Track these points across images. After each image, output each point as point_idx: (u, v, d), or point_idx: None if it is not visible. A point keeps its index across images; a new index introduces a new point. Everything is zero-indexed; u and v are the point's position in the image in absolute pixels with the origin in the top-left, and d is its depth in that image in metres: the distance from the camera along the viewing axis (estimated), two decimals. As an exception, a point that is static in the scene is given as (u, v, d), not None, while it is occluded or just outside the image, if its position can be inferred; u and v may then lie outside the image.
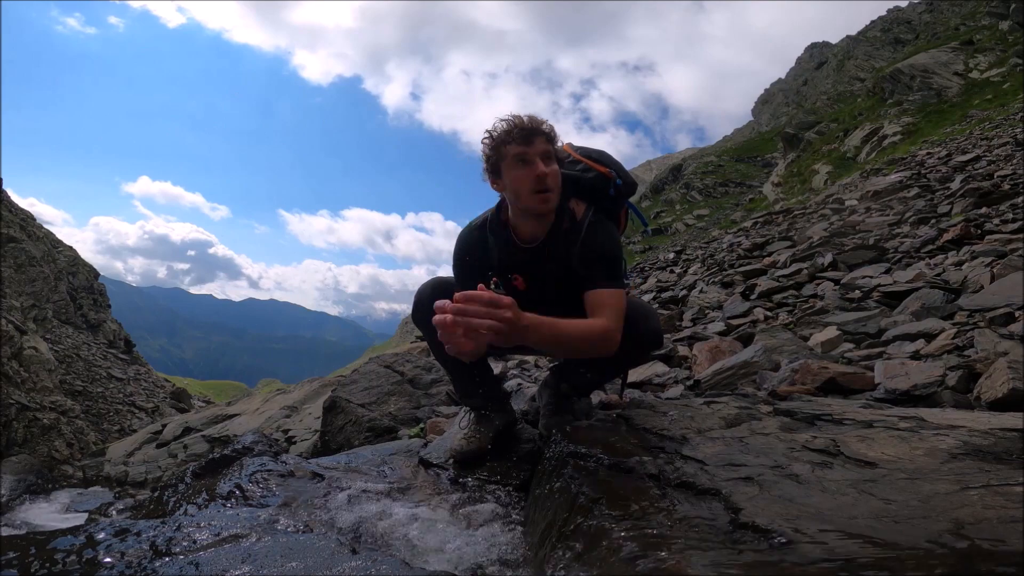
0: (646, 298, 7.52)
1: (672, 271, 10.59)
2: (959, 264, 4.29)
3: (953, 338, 2.70)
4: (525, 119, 1.73)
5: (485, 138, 1.78)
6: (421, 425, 3.53)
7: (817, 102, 48.28)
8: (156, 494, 1.91)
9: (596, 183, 1.92)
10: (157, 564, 1.09)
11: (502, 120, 1.75)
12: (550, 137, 1.75)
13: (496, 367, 4.72)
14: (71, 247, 26.36)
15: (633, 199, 2.12)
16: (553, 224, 1.82)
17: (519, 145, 1.70)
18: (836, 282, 4.82)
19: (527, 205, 1.76)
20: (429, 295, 1.99)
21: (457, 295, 1.31)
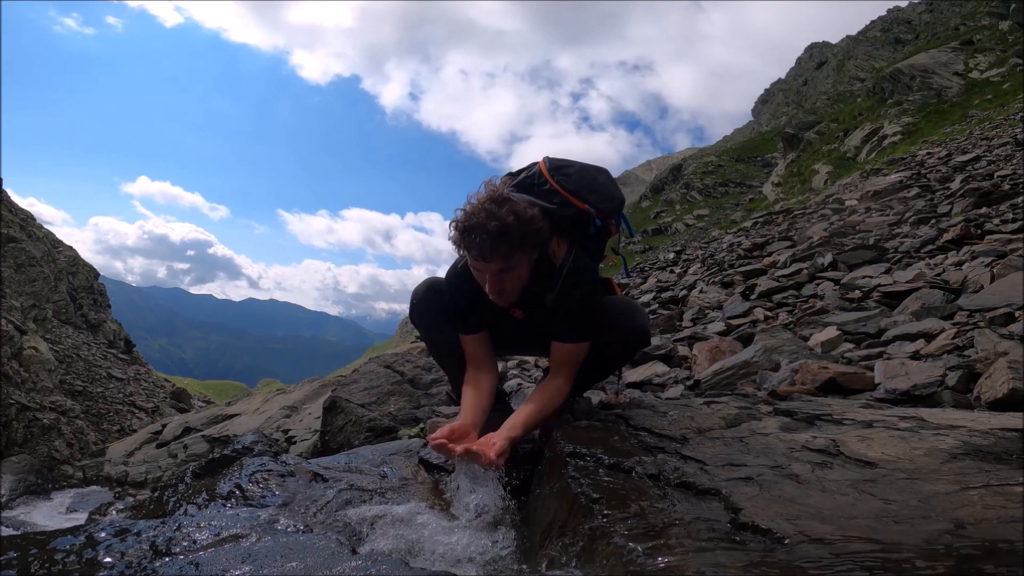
0: (646, 298, 7.52)
1: (672, 271, 10.59)
2: (959, 264, 4.30)
3: (953, 338, 2.70)
4: (492, 226, 1.57)
5: (451, 228, 1.68)
6: (421, 425, 3.53)
7: (817, 102, 48.28)
8: (156, 494, 1.91)
9: (575, 221, 1.86)
10: (157, 564, 1.09)
11: (473, 211, 1.61)
12: (516, 248, 1.63)
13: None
14: (71, 247, 26.37)
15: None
16: (535, 267, 1.76)
17: (474, 260, 1.66)
18: (836, 282, 4.82)
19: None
20: (423, 296, 1.99)
21: (457, 455, 1.56)
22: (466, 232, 1.62)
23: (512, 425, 1.69)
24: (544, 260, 1.78)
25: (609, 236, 2.01)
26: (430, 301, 1.98)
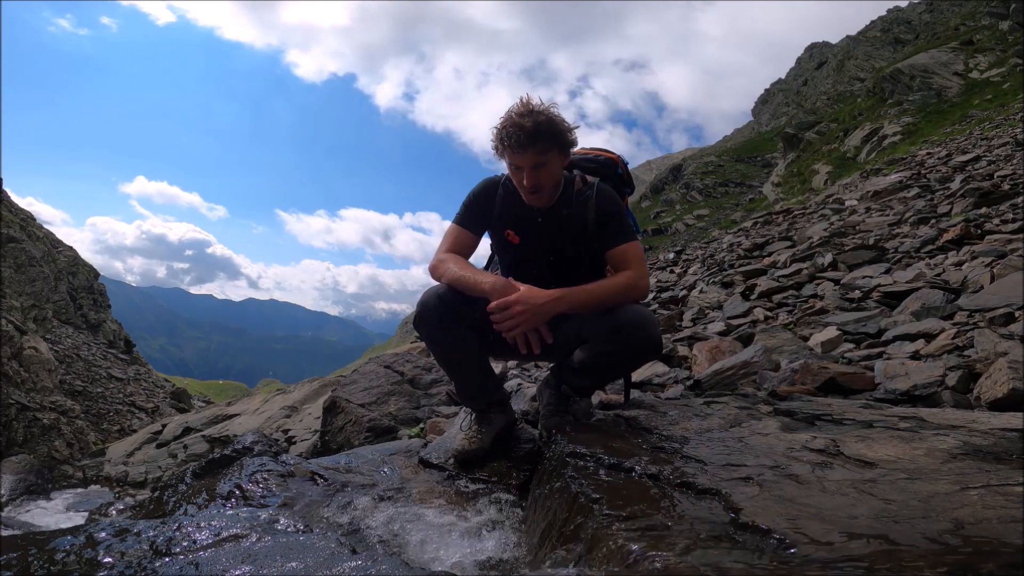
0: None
1: (672, 271, 10.59)
2: (959, 264, 4.29)
3: (953, 338, 2.70)
4: (527, 123, 1.77)
5: (494, 127, 1.86)
6: (421, 425, 3.53)
7: (817, 102, 48.27)
8: (156, 494, 1.91)
9: (604, 165, 2.17)
10: (157, 564, 1.09)
11: (510, 115, 1.80)
12: (548, 144, 1.81)
13: (496, 368, 4.71)
14: (71, 247, 26.36)
15: (633, 199, 2.19)
16: (564, 191, 1.97)
17: (513, 152, 1.82)
18: (836, 282, 4.82)
19: (523, 196, 1.94)
20: (433, 306, 1.93)
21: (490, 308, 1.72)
22: (505, 128, 1.80)
23: (567, 290, 1.78)
24: (574, 181, 1.99)
25: (623, 196, 2.21)
26: (440, 310, 1.92)
